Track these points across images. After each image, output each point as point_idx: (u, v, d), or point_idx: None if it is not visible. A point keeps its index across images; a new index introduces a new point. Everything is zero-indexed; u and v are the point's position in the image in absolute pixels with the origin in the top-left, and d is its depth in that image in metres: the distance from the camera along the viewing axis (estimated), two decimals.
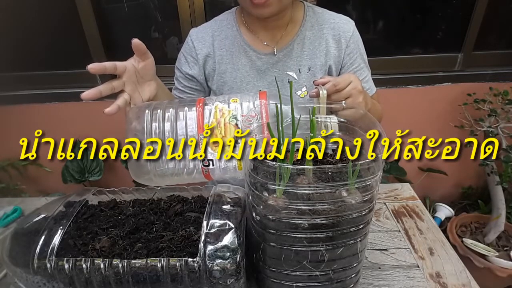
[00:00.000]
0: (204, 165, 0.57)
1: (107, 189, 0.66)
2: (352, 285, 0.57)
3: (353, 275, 0.56)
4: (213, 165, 0.57)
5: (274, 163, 0.46)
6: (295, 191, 0.48)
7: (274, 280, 0.55)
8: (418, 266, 0.67)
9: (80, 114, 1.61)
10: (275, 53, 0.86)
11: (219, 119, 0.57)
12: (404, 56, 1.64)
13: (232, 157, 0.56)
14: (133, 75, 0.65)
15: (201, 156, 0.56)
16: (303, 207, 0.47)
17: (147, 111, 0.59)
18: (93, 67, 0.58)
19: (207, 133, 0.56)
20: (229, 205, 0.57)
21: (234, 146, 0.56)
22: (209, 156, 0.56)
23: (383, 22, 1.63)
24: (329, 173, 0.50)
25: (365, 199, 0.49)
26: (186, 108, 0.59)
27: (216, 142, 0.56)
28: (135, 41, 0.64)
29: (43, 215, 0.58)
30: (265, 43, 0.87)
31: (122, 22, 1.59)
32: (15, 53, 1.58)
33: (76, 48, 1.57)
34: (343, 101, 0.63)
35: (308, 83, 0.86)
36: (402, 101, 1.63)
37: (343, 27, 0.86)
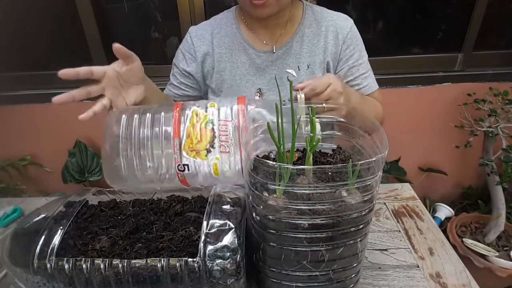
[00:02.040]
0: (179, 170, 0.56)
1: (107, 189, 0.66)
2: (352, 285, 0.57)
3: (353, 275, 0.56)
4: (188, 170, 0.56)
5: (274, 163, 0.46)
6: (295, 191, 0.48)
7: (274, 280, 0.55)
8: (418, 266, 0.67)
9: (80, 114, 1.61)
10: (274, 51, 0.86)
11: (195, 123, 0.56)
12: (404, 56, 1.64)
13: (207, 162, 0.56)
14: (114, 80, 0.63)
15: (176, 160, 0.56)
16: (303, 207, 0.47)
17: (123, 116, 0.58)
18: (63, 72, 0.55)
19: (182, 137, 0.55)
20: (229, 205, 0.57)
21: (209, 151, 0.55)
22: (184, 161, 0.56)
23: (383, 22, 1.63)
24: (329, 173, 0.50)
25: (365, 199, 0.49)
26: (163, 113, 0.58)
27: (191, 147, 0.55)
28: (116, 46, 0.61)
29: (43, 215, 0.58)
30: (264, 42, 0.87)
31: (122, 22, 1.59)
32: (15, 53, 1.58)
33: (76, 48, 1.57)
34: (324, 104, 0.63)
35: (305, 79, 0.87)
36: (402, 101, 1.63)
37: (340, 24, 0.87)
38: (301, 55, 0.87)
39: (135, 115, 0.58)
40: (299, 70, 0.87)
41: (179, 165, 0.56)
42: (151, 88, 0.72)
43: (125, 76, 0.64)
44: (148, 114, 0.58)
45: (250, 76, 0.88)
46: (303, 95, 0.62)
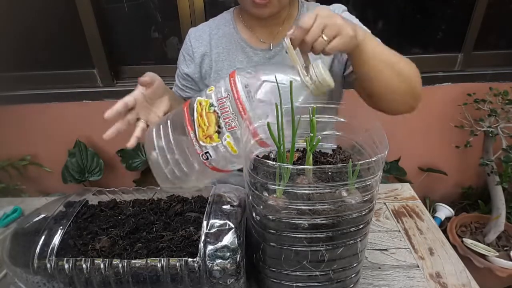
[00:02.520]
0: (204, 159, 0.58)
1: (107, 189, 0.66)
2: (352, 285, 0.57)
3: (353, 275, 0.56)
4: (211, 156, 0.58)
5: (274, 163, 0.46)
6: (295, 191, 0.48)
7: (274, 280, 0.55)
8: (418, 266, 0.67)
9: (80, 114, 1.61)
10: (271, 48, 0.88)
11: (201, 112, 0.58)
12: (404, 56, 1.64)
13: (221, 143, 0.57)
14: (143, 102, 0.70)
15: (198, 151, 0.57)
16: (303, 207, 0.47)
17: (153, 129, 0.63)
18: (108, 115, 0.63)
19: (195, 129, 0.57)
20: (229, 205, 0.57)
21: (219, 132, 0.57)
22: (204, 150, 0.57)
23: (383, 22, 1.63)
24: (329, 173, 0.50)
25: (365, 199, 0.49)
26: (176, 115, 0.62)
27: (204, 134, 0.57)
28: (140, 80, 0.68)
29: (43, 215, 0.58)
30: (262, 40, 0.89)
31: (122, 22, 1.59)
32: (15, 53, 1.58)
33: (76, 48, 1.57)
34: (323, 35, 0.57)
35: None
36: None
37: (332, 10, 0.87)
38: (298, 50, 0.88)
39: (160, 126, 0.62)
40: None
41: (202, 155, 0.57)
42: (172, 95, 0.79)
43: (151, 95, 0.71)
44: (168, 121, 0.62)
45: None
46: (287, 40, 0.56)
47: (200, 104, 0.58)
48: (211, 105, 0.57)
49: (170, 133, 0.60)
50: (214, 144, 0.57)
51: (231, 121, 0.56)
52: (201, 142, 0.57)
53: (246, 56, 0.88)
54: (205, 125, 0.57)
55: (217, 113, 0.56)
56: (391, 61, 0.69)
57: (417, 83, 0.76)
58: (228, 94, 0.56)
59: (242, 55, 0.89)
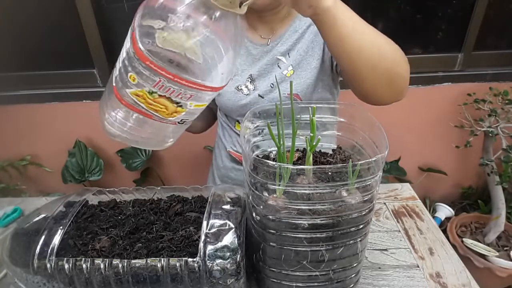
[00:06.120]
0: (181, 123, 0.54)
1: (107, 189, 0.66)
2: (352, 285, 0.57)
3: (353, 275, 0.56)
4: (187, 119, 0.54)
5: (274, 163, 0.46)
6: (295, 191, 0.48)
7: (274, 280, 0.55)
8: (418, 266, 0.67)
9: (80, 114, 1.61)
10: (269, 43, 0.91)
11: (146, 101, 0.51)
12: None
13: (188, 110, 0.52)
14: None
15: (172, 123, 0.54)
16: (303, 207, 0.47)
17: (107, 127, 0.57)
18: None
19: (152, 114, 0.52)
20: (229, 205, 0.57)
21: (181, 105, 0.51)
22: (177, 120, 0.53)
23: (383, 22, 1.63)
24: (329, 173, 0.50)
25: (365, 199, 0.49)
26: None
27: (167, 113, 0.53)
28: None
29: (43, 215, 0.58)
30: (262, 36, 0.92)
31: (122, 22, 1.59)
32: (15, 53, 1.58)
33: (76, 48, 1.57)
34: None
35: (294, 62, 0.88)
36: (402, 101, 1.62)
37: None
38: (294, 44, 0.90)
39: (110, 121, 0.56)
40: (289, 56, 0.89)
41: (177, 123, 0.54)
42: None
43: None
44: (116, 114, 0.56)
45: (245, 66, 0.93)
46: None
47: (138, 95, 0.50)
48: (151, 92, 0.49)
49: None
50: (183, 113, 0.52)
51: (184, 94, 0.49)
52: (169, 118, 0.52)
53: (246, 49, 0.94)
54: (161, 107, 0.50)
55: (165, 96, 0.49)
56: (369, 32, 0.63)
57: (401, 60, 0.68)
58: (159, 78, 0.48)
59: (243, 49, 0.93)
